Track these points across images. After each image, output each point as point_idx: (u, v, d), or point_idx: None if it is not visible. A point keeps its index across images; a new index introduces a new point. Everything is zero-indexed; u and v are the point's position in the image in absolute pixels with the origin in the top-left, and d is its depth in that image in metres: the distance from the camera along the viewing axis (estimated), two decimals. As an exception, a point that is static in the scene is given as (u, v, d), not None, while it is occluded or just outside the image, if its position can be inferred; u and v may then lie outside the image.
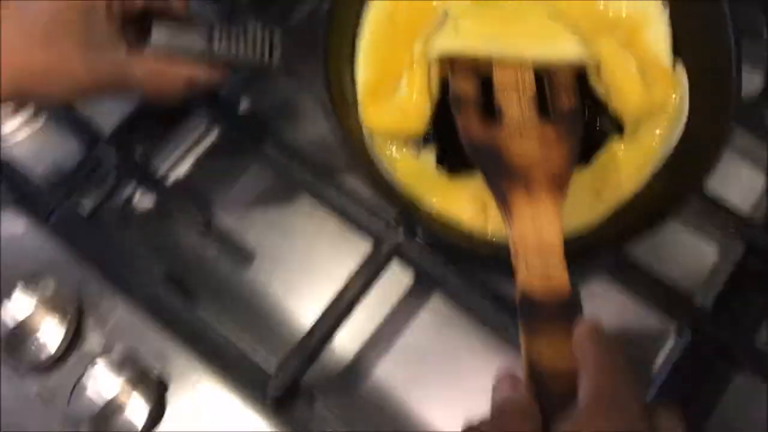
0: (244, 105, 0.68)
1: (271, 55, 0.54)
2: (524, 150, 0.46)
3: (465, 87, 0.50)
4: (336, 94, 0.54)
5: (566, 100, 0.49)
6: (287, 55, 0.54)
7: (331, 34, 0.55)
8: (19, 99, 0.50)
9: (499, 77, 0.50)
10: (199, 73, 0.55)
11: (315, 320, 0.56)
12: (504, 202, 0.45)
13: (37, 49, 0.49)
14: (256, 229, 0.66)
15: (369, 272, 0.57)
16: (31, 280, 0.57)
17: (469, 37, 0.52)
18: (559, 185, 0.45)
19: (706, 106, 0.54)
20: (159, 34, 0.54)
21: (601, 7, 0.56)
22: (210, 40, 0.54)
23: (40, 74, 0.49)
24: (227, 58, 0.54)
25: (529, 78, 0.50)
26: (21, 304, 0.56)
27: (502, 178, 0.45)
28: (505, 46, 0.51)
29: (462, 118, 0.49)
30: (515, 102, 0.48)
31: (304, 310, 0.62)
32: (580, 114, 0.50)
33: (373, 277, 0.57)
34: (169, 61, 0.54)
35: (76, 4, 0.50)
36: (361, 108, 0.57)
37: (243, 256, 0.65)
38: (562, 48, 0.51)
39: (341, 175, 0.63)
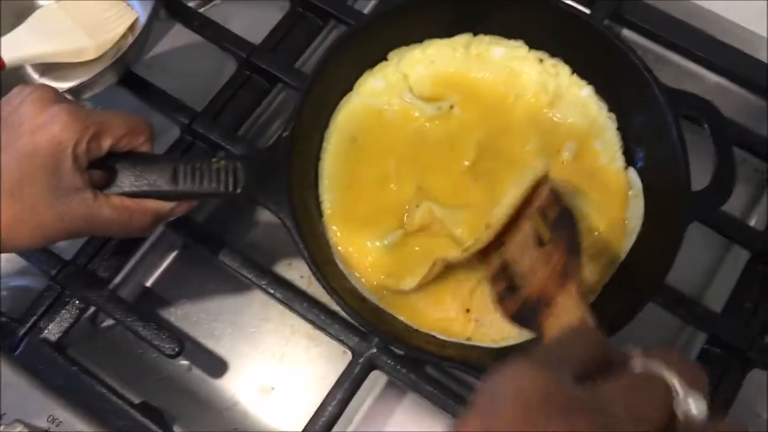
0: (201, 216, 0.68)
1: (235, 185, 0.55)
2: (539, 282, 0.49)
3: (501, 287, 0.53)
4: (302, 218, 0.55)
5: (552, 210, 0.51)
6: (251, 184, 0.55)
7: (293, 160, 0.56)
8: None
9: (511, 253, 0.52)
10: (166, 207, 0.55)
11: (295, 439, 0.57)
12: (537, 330, 0.47)
13: (4, 201, 0.48)
14: (225, 338, 0.66)
15: (347, 387, 0.58)
16: (3, 420, 0.56)
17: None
18: (571, 276, 0.47)
19: (660, 207, 0.57)
20: (124, 178, 0.54)
21: (553, 121, 0.59)
22: (175, 179, 0.54)
23: (8, 226, 0.49)
24: (192, 192, 0.55)
25: (530, 227, 0.52)
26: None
27: (534, 314, 0.48)
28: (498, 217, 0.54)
29: (505, 308, 0.52)
30: (527, 261, 0.51)
31: (283, 421, 0.63)
32: (568, 211, 0.51)
33: (351, 392, 0.58)
34: (136, 200, 0.54)
35: (42, 151, 0.49)
36: (330, 232, 0.59)
37: (215, 367, 0.65)
38: (529, 174, 0.54)
39: (311, 286, 0.64)
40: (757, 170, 0.71)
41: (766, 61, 0.70)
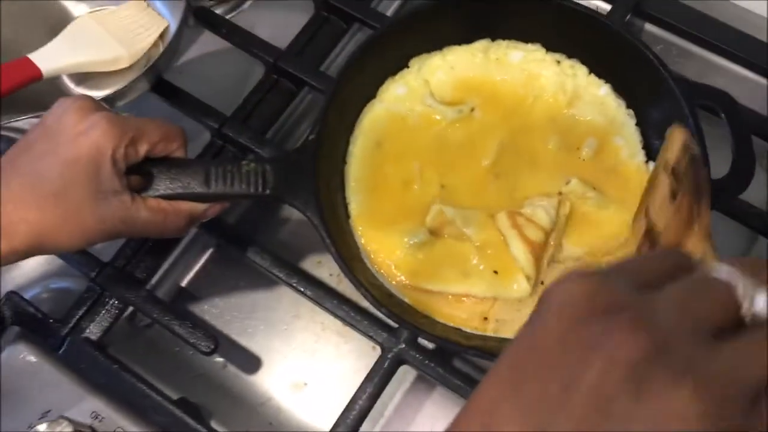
0: (233, 217, 0.70)
1: (264, 186, 0.57)
2: (673, 236, 0.48)
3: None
4: (329, 218, 0.57)
5: (684, 160, 0.50)
6: (279, 185, 0.57)
7: (319, 162, 0.57)
8: (32, 253, 0.52)
9: (651, 216, 0.51)
10: (200, 209, 0.58)
11: (327, 432, 0.58)
12: None
13: (49, 204, 0.51)
14: (258, 335, 0.68)
15: (377, 381, 0.59)
16: (49, 416, 0.59)
17: None
18: (696, 218, 0.47)
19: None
20: (160, 182, 0.57)
21: (572, 119, 0.60)
22: (207, 181, 0.57)
23: (53, 228, 0.51)
24: (224, 194, 0.57)
25: (666, 184, 0.50)
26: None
27: None
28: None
29: None
30: (664, 219, 0.49)
31: (315, 415, 0.65)
32: (698, 156, 0.51)
33: (381, 386, 0.59)
34: (171, 202, 0.56)
35: (83, 157, 0.52)
36: (357, 232, 0.60)
37: (249, 363, 0.67)
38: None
39: (340, 284, 0.66)
40: (782, 161, 0.71)
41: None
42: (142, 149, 0.56)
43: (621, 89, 0.62)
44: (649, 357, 0.28)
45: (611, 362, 0.28)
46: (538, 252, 0.56)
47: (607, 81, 0.62)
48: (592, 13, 0.62)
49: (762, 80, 0.71)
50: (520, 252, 0.56)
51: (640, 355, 0.28)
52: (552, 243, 0.58)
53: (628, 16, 0.71)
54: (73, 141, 0.53)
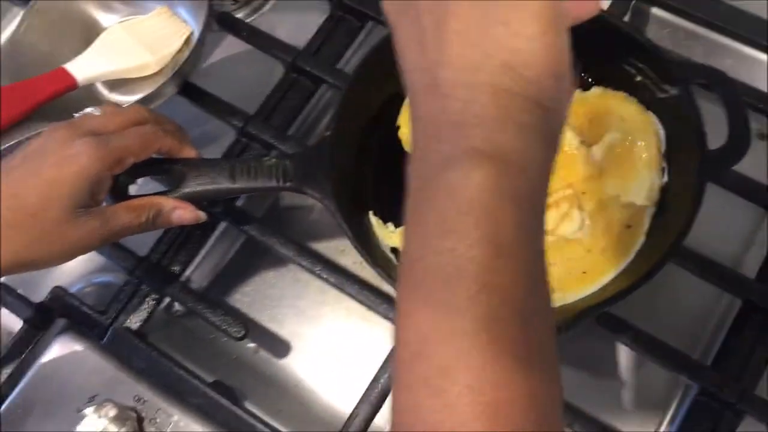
0: (260, 211, 0.74)
1: (285, 179, 0.61)
2: None
3: None
4: (347, 207, 0.60)
5: None
6: (299, 177, 0.61)
7: (338, 155, 0.61)
8: (12, 270, 0.56)
9: None
10: (168, 204, 0.61)
11: (351, 410, 0.62)
12: None
13: (27, 224, 0.54)
14: (287, 321, 0.72)
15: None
16: (95, 400, 0.63)
17: None
18: None
19: (681, 174, 0.60)
20: (190, 179, 0.61)
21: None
22: (232, 176, 0.61)
23: (31, 246, 0.55)
24: (248, 187, 0.61)
25: None
26: (92, 424, 0.62)
27: None
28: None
29: None
30: None
31: (344, 396, 0.68)
32: None
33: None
34: (143, 197, 0.60)
35: (65, 178, 0.55)
36: (376, 223, 0.64)
37: (280, 348, 0.71)
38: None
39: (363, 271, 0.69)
40: (790, 138, 0.72)
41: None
42: (129, 162, 0.59)
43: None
44: None
45: None
46: None
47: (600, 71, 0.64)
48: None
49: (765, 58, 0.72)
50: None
51: None
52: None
53: (633, 1, 0.73)
54: (58, 164, 0.55)
